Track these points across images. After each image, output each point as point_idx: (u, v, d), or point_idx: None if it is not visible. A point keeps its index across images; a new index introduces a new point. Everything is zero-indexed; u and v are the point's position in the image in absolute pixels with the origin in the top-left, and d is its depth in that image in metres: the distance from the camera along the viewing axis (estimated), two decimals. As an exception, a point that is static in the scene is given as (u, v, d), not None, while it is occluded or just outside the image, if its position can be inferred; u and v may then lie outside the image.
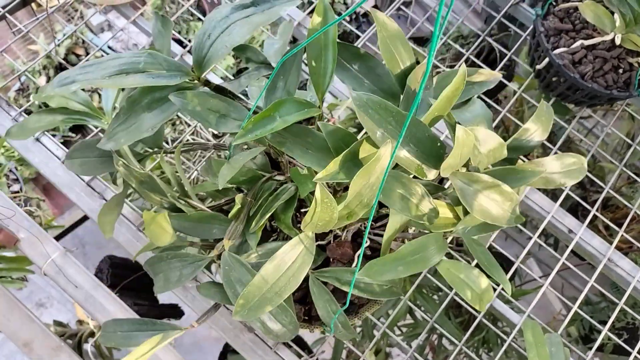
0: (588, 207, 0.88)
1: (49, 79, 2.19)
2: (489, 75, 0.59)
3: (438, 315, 0.77)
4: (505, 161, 0.56)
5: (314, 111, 0.53)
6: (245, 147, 0.61)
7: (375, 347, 1.42)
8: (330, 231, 0.63)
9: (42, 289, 2.10)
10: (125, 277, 1.22)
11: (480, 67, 1.05)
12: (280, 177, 0.61)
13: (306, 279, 0.57)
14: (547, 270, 1.81)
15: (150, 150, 0.66)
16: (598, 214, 0.88)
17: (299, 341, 1.55)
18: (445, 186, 0.60)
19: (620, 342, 0.82)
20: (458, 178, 0.51)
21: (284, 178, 0.61)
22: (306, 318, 0.66)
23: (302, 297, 0.67)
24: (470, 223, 0.55)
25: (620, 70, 0.85)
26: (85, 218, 2.10)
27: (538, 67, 0.90)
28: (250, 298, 0.49)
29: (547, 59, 0.86)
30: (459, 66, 0.56)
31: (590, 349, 1.43)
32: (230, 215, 0.57)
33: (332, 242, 0.63)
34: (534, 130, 0.58)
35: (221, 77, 1.19)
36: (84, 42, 2.33)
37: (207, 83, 0.55)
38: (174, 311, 1.39)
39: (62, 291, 0.77)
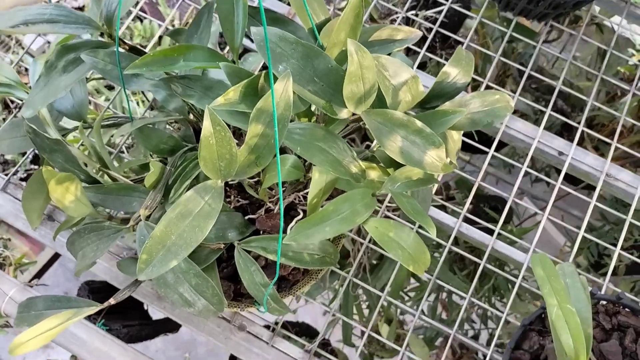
0: (574, 124, 0.82)
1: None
2: (409, 32, 0.58)
3: (442, 272, 0.72)
4: (429, 109, 0.55)
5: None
6: (174, 126, 0.61)
7: (386, 316, 1.36)
8: (262, 205, 0.60)
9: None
10: (109, 301, 1.14)
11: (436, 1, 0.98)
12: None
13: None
14: (543, 206, 1.77)
15: (74, 124, 0.64)
16: (587, 130, 0.82)
17: (307, 328, 1.50)
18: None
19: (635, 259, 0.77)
20: (372, 117, 0.49)
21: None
22: (238, 298, 0.63)
23: (231, 275, 0.62)
24: (399, 178, 0.53)
25: (581, -29, 0.78)
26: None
27: (494, -14, 0.83)
28: (153, 252, 0.45)
29: (501, -25, 0.79)
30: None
31: (603, 274, 1.39)
32: (146, 183, 0.53)
33: (262, 215, 0.59)
34: (455, 74, 0.56)
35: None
36: (26, 70, 2.23)
37: (123, 43, 0.55)
38: (170, 325, 1.32)
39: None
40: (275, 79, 0.47)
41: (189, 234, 0.46)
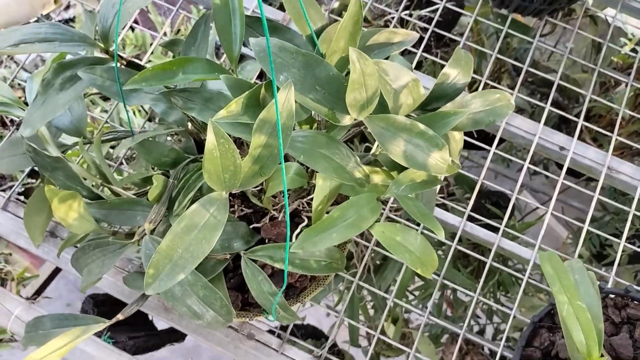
0: (574, 118, 0.82)
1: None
2: (406, 35, 0.58)
3: (447, 270, 0.72)
4: (430, 111, 0.55)
5: (224, 76, 0.51)
6: (175, 138, 0.61)
7: (392, 316, 1.36)
8: (266, 213, 0.60)
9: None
10: (114, 314, 1.13)
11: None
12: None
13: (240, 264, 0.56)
14: (544, 199, 1.77)
15: (74, 140, 0.64)
16: (586, 124, 0.82)
17: (314, 330, 1.49)
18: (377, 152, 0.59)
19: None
20: (374, 122, 0.49)
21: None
22: (246, 307, 0.63)
23: (238, 285, 0.62)
24: (404, 181, 0.53)
25: (575, -34, 0.78)
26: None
27: (488, -17, 0.83)
28: (160, 266, 0.45)
29: (495, -28, 0.79)
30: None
31: (605, 265, 1.39)
32: (149, 196, 0.53)
33: (267, 223, 0.59)
34: (455, 75, 0.55)
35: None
36: (19, 84, 2.22)
37: (121, 58, 0.55)
38: (176, 335, 1.32)
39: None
40: (277, 89, 0.47)
41: (196, 247, 0.46)
